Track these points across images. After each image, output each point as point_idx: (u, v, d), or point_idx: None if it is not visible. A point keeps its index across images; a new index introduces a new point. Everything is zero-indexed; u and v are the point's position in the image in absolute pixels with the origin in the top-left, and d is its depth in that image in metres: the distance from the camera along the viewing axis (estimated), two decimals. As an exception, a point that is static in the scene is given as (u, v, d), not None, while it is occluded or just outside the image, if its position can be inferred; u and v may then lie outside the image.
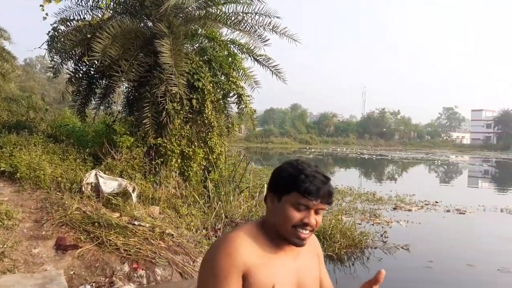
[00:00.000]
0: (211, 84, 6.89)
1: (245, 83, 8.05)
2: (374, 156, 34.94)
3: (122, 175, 5.74)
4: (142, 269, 3.62)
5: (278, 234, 1.32)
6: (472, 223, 7.97)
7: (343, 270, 4.92)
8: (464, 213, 8.73)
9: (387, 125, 67.69)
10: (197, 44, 7.79)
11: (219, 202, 6.16)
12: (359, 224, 6.93)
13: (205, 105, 6.66)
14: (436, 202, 9.88)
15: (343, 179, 14.63)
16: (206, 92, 6.71)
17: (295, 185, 1.27)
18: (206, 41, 7.81)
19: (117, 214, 4.55)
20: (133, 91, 7.44)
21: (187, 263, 4.02)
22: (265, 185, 7.75)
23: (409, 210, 8.75)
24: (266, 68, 8.25)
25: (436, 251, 5.70)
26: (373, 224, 7.18)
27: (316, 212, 1.31)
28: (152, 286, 3.40)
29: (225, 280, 1.21)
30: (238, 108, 7.54)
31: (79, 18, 7.51)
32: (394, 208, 8.94)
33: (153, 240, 4.09)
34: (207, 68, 7.03)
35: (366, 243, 5.79)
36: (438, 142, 66.85)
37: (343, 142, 60.00)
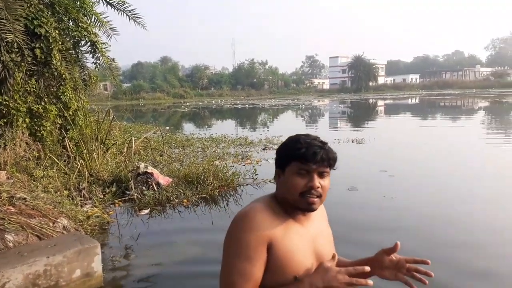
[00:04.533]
0: (57, 31, 6.07)
1: (99, 30, 7.34)
2: (247, 105, 36.28)
3: (-47, 141, 4.85)
4: (-12, 239, 3.18)
5: (290, 205, 1.39)
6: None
7: (218, 209, 5.07)
8: (323, 147, 9.72)
9: (257, 76, 70.44)
10: (34, -15, 6.70)
11: (81, 161, 5.70)
12: (232, 166, 7.21)
13: (52, 55, 5.88)
14: (300, 140, 10.79)
15: (221, 129, 14.90)
16: (51, 40, 5.90)
17: (293, 155, 1.37)
18: (45, -18, 6.77)
19: (-51, 185, 3.86)
20: (-44, 42, 6.16)
21: (45, 225, 3.66)
22: (133, 139, 7.45)
23: (277, 149, 9.38)
24: (123, 13, 7.63)
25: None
26: (244, 165, 7.54)
27: (321, 176, 1.38)
28: (2, 252, 3.03)
29: (252, 255, 1.27)
30: (93, 57, 6.87)
31: None
32: (264, 149, 9.50)
33: (0, 206, 3.61)
34: (49, 13, 6.15)
35: (238, 182, 6.05)
36: (302, 89, 72.45)
37: (218, 94, 60.82)
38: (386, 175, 6.54)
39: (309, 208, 1.37)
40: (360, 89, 65.63)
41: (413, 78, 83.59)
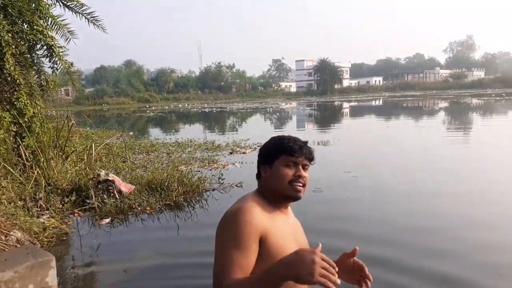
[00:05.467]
0: (10, 34, 5.79)
1: (57, 33, 7.07)
2: (215, 109, 36.11)
3: None
4: None
5: (276, 196, 1.54)
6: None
7: (183, 216, 4.97)
8: (289, 149, 9.79)
9: (224, 79, 70.27)
10: (-15, -14, 6.37)
11: (38, 170, 5.46)
12: (198, 171, 7.11)
13: (5, 59, 5.60)
14: (267, 143, 10.82)
15: (187, 133, 14.68)
16: (4, 44, 5.62)
17: (282, 150, 1.55)
18: (-3, -17, 6.45)
19: None
20: None
21: (-3, 239, 3.47)
22: (93, 145, 7.22)
23: (244, 153, 9.37)
24: (81, 16, 7.39)
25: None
26: (210, 169, 7.46)
27: (304, 169, 1.56)
28: None
29: (243, 244, 1.35)
30: (50, 61, 6.60)
31: None
32: (231, 153, 9.45)
33: None
34: (1, 15, 5.87)
35: (204, 187, 5.97)
36: (270, 92, 72.90)
37: (184, 98, 60.16)
38: (350, 176, 6.66)
39: (296, 195, 1.52)
40: (325, 92, 66.73)
41: (377, 80, 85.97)
